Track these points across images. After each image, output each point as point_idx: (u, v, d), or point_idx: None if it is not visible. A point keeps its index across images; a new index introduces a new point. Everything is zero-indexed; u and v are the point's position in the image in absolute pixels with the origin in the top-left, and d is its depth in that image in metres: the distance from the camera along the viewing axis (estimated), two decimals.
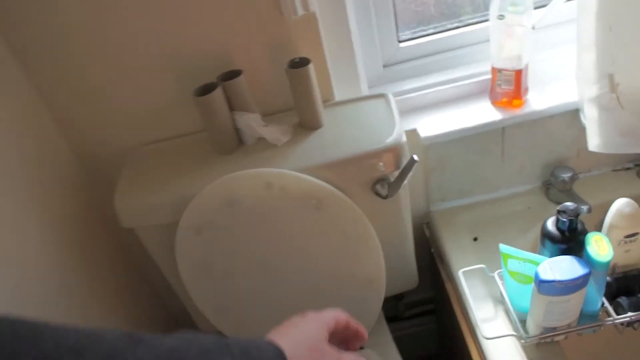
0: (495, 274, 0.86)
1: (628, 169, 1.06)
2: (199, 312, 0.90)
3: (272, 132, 0.81)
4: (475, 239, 0.99)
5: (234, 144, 0.82)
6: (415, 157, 0.76)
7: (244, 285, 0.87)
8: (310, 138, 0.82)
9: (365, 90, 0.93)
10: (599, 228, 0.84)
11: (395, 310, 1.26)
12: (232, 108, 0.80)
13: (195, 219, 0.78)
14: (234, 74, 0.79)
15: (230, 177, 0.75)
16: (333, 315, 0.53)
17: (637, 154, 1.03)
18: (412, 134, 0.93)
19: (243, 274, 0.86)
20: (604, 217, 0.83)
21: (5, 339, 0.29)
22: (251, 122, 0.80)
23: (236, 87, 0.78)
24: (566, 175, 0.99)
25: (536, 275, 0.71)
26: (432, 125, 0.94)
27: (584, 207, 0.94)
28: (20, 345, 0.29)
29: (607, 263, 0.70)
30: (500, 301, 0.86)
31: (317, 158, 0.77)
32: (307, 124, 0.83)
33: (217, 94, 0.76)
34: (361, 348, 0.99)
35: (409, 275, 1.00)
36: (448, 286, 0.98)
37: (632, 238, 0.80)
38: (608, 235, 0.80)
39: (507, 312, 0.84)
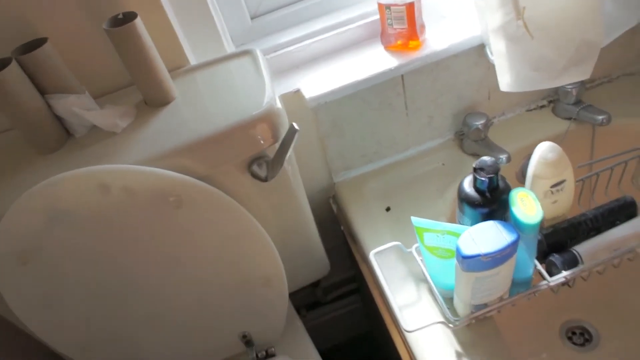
0: (413, 250, 0.73)
1: (542, 107, 0.96)
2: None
3: (104, 117, 0.61)
4: (388, 209, 0.85)
5: (58, 138, 0.62)
6: (295, 125, 0.59)
7: (109, 314, 0.69)
8: (158, 118, 0.62)
9: (231, 49, 0.75)
10: (521, 179, 0.73)
11: (315, 296, 1.12)
12: (44, 90, 0.59)
13: (13, 244, 0.57)
14: (36, 44, 0.57)
15: (48, 183, 0.55)
16: None
17: (550, 89, 0.93)
18: (295, 96, 0.75)
19: (102, 303, 0.67)
20: (525, 163, 0.72)
21: None
22: (72, 107, 0.59)
23: (42, 61, 0.57)
24: (479, 123, 0.86)
25: (457, 250, 0.58)
26: (318, 82, 0.78)
27: (503, 157, 0.83)
28: None
29: (537, 224, 0.58)
30: (423, 279, 0.74)
31: (168, 143, 0.59)
32: (152, 99, 0.64)
33: (12, 72, 0.55)
34: (272, 356, 0.85)
35: (318, 261, 0.85)
36: (363, 268, 0.85)
37: (559, 187, 0.69)
38: (532, 188, 0.68)
39: (431, 291, 0.72)
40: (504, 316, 0.74)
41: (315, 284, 1.05)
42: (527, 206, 0.59)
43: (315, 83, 0.78)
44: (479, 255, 0.56)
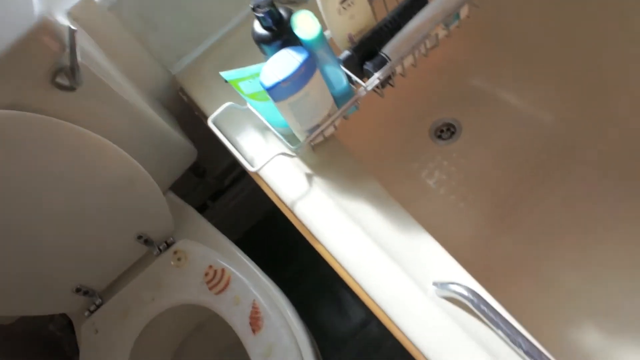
0: (248, 105, 0.79)
1: None
2: None
3: None
4: (226, 82, 0.89)
5: None
6: (72, 27, 0.61)
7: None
8: None
9: None
10: None
11: (210, 186, 1.19)
12: None
13: None
14: None
15: None
16: None
17: None
18: (87, 4, 0.74)
19: None
20: None
21: None
22: None
23: None
24: None
25: (261, 85, 0.64)
26: None
27: None
28: None
29: (319, 37, 0.64)
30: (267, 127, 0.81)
31: None
32: None
33: None
34: (172, 244, 0.92)
35: (181, 150, 0.91)
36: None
37: (348, 1, 0.74)
38: (324, 9, 0.73)
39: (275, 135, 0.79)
40: (347, 134, 0.83)
41: (200, 174, 1.10)
42: (307, 25, 0.64)
43: None
44: (278, 83, 0.63)
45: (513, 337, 0.57)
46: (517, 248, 0.99)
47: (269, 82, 0.63)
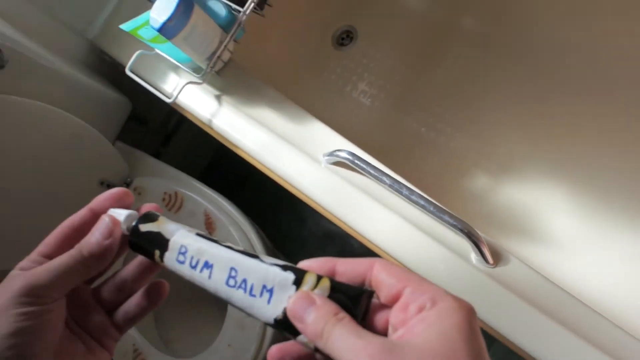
0: (156, 50, 0.93)
1: None
2: None
3: None
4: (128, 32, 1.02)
5: None
6: None
7: None
8: None
9: None
10: None
11: (158, 134, 1.34)
12: None
13: None
14: None
15: None
16: None
17: None
18: None
19: None
20: None
21: None
22: None
23: None
24: None
25: (152, 28, 0.77)
26: None
27: None
28: None
29: None
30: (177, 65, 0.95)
31: None
32: None
33: None
34: (129, 184, 1.08)
35: (116, 102, 1.05)
36: None
37: None
38: None
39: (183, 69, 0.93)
40: (244, 57, 0.97)
41: (144, 123, 1.25)
42: None
43: None
44: (164, 23, 0.76)
45: (392, 184, 0.75)
46: (413, 126, 1.17)
47: (157, 24, 0.76)
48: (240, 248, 0.41)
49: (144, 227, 0.43)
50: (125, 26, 0.83)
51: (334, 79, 1.23)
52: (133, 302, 0.44)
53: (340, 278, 0.36)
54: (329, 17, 1.27)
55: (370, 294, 0.35)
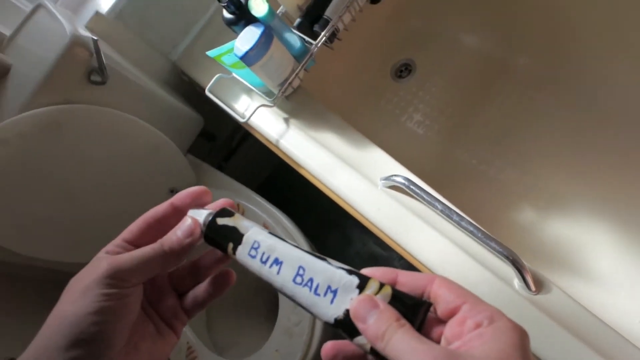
0: (233, 74, 1.03)
1: None
2: None
3: None
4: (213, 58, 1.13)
5: None
6: (94, 37, 0.85)
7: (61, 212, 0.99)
8: (9, 81, 0.88)
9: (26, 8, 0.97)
10: None
11: (222, 148, 1.44)
12: None
13: None
14: None
15: None
16: None
17: None
18: (98, 18, 0.99)
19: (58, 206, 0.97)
20: None
21: None
22: None
23: None
24: None
25: (236, 56, 0.87)
26: None
27: None
28: None
29: (269, 13, 0.87)
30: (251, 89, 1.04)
31: (25, 93, 0.85)
32: None
33: None
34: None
35: (190, 120, 1.15)
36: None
37: None
38: None
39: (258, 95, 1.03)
40: (312, 83, 1.06)
41: (211, 139, 1.36)
42: (259, 6, 0.87)
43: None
44: (247, 52, 0.86)
45: (443, 209, 0.80)
46: (465, 157, 1.22)
47: (240, 53, 0.86)
48: (309, 250, 0.44)
49: (221, 221, 0.45)
50: (211, 53, 0.93)
51: (391, 109, 1.31)
52: (202, 287, 0.47)
53: (401, 288, 0.38)
54: (390, 50, 1.35)
55: (429, 305, 0.37)
